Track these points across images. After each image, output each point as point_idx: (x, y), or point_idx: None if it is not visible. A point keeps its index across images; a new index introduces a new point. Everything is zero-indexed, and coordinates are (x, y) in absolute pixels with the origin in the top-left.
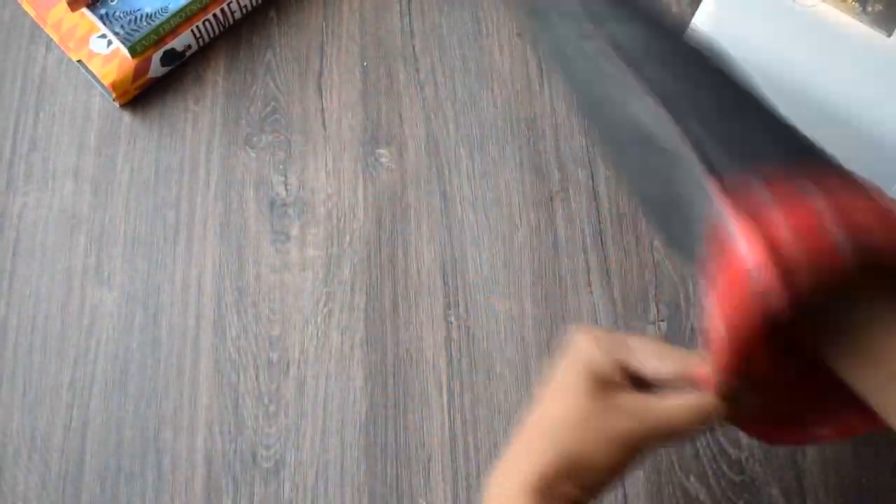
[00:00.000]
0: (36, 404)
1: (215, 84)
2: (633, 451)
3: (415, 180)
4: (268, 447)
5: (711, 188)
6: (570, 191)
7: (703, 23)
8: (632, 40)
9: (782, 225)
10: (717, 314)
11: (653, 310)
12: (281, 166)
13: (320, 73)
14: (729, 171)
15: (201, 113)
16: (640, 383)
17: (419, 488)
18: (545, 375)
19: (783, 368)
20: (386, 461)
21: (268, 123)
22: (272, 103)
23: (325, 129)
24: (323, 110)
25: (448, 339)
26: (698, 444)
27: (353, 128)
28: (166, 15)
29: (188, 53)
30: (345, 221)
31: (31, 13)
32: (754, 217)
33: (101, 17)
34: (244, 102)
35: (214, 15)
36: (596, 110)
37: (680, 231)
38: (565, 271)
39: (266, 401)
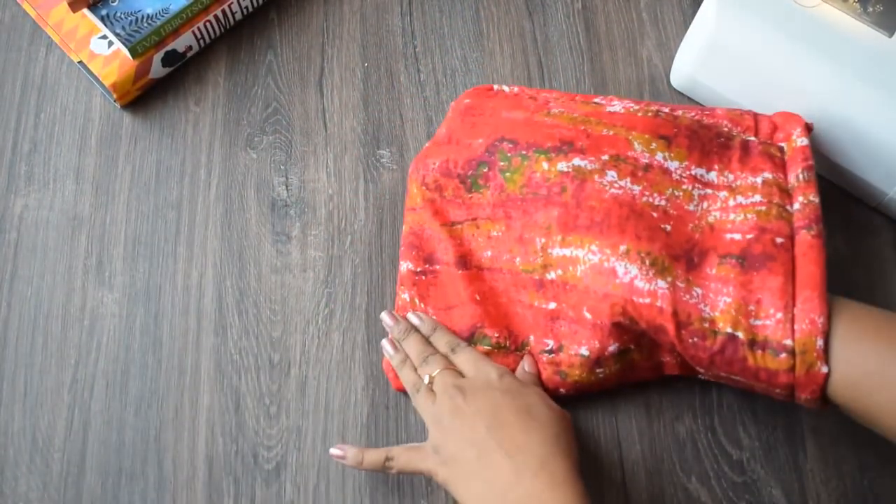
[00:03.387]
0: (37, 405)
1: (216, 85)
2: None
3: None
4: (269, 448)
5: None
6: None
7: (705, 23)
8: None
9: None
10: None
11: None
12: (282, 167)
13: (321, 74)
14: None
15: (202, 114)
16: None
17: (420, 489)
18: (520, 398)
19: None
20: None
21: (269, 124)
22: (273, 104)
23: (326, 130)
24: (324, 111)
25: None
26: (700, 446)
27: (354, 128)
28: (167, 16)
29: (189, 54)
30: (346, 222)
31: (32, 14)
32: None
33: (102, 18)
34: (245, 103)
35: (215, 16)
36: None
37: None
38: None
39: (267, 402)
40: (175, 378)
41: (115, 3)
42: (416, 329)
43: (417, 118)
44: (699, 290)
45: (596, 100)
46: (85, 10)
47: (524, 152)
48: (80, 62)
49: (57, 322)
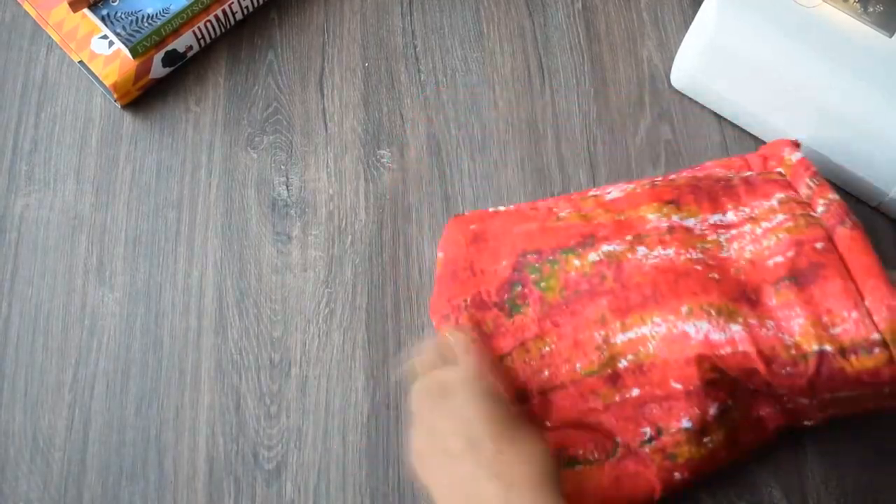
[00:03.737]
0: (38, 404)
1: (217, 85)
2: None
3: (416, 181)
4: (269, 448)
5: None
6: (572, 192)
7: (705, 23)
8: None
9: None
10: None
11: None
12: (282, 167)
13: (322, 74)
14: None
15: (203, 114)
16: None
17: (421, 490)
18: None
19: None
20: (388, 462)
21: (269, 124)
22: (273, 104)
23: (326, 130)
24: (324, 111)
25: None
26: None
27: (354, 128)
28: (168, 16)
29: (190, 54)
30: (346, 222)
31: (33, 14)
32: None
33: (102, 18)
34: (246, 103)
35: (216, 16)
36: None
37: None
38: None
39: (268, 401)
40: (175, 378)
41: (115, 3)
42: None
43: (418, 118)
44: (771, 322)
45: (592, 192)
46: (85, 10)
47: (551, 258)
48: (80, 62)
49: (57, 321)
